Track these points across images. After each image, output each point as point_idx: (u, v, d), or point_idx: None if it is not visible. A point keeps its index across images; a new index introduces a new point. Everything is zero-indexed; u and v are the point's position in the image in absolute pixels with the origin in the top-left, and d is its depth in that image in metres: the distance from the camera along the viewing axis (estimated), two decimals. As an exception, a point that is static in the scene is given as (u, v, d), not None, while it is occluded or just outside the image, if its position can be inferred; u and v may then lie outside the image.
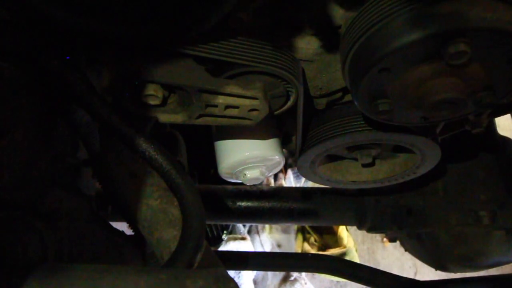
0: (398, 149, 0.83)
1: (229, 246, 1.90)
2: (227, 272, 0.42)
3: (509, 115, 0.89)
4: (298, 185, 2.06)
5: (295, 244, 2.07)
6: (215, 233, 1.81)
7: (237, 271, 1.86)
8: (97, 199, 0.76)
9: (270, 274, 1.99)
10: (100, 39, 0.57)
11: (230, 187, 1.01)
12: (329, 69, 0.71)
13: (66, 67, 0.54)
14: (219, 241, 1.84)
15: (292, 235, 2.09)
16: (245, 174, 0.74)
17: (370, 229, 1.05)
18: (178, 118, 0.62)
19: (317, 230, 2.10)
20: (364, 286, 0.85)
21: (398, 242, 1.18)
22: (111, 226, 0.62)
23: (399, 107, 0.63)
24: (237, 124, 0.64)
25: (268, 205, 1.03)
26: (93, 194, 0.75)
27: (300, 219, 1.08)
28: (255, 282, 1.98)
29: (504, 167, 0.98)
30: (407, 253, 1.17)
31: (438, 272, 1.09)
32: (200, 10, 0.55)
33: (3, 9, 0.52)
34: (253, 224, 1.96)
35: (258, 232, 2.05)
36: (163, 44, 0.58)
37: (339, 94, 0.75)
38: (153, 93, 0.58)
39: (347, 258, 2.02)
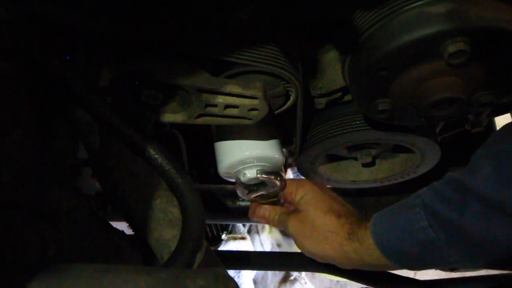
0: (398, 148, 0.83)
1: (229, 245, 1.90)
2: (227, 272, 0.42)
3: (508, 114, 0.89)
4: (298, 185, 2.05)
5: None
6: (215, 232, 1.81)
7: (237, 271, 1.86)
8: (97, 199, 0.76)
9: (270, 273, 1.99)
10: (100, 39, 0.57)
11: (230, 187, 1.01)
12: (329, 69, 0.71)
13: (66, 67, 0.54)
14: (219, 240, 1.84)
15: (292, 235, 2.09)
16: (244, 174, 0.74)
17: (370, 229, 1.05)
18: (178, 117, 0.62)
19: (317, 230, 2.09)
20: (364, 286, 0.85)
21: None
22: (111, 226, 0.62)
23: (399, 107, 0.63)
24: (237, 123, 0.64)
25: (268, 204, 1.03)
26: (93, 194, 0.75)
27: (300, 219, 1.07)
28: (255, 281, 1.98)
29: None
30: (407, 252, 1.17)
31: (438, 271, 1.09)
32: (200, 10, 0.56)
33: (3, 9, 0.52)
34: (253, 224, 1.96)
35: (258, 232, 2.05)
36: (163, 44, 0.58)
37: (339, 94, 0.75)
38: (153, 93, 0.58)
39: (347, 257, 2.02)
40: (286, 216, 0.73)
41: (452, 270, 0.63)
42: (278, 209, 0.77)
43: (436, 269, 0.60)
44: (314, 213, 0.70)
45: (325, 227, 0.68)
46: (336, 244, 0.66)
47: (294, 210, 0.74)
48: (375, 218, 0.63)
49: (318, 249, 0.68)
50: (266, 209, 0.78)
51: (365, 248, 0.63)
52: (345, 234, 0.66)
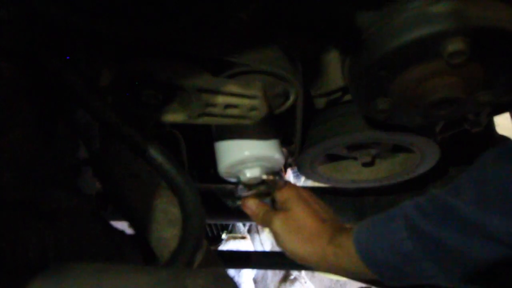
0: (398, 148, 0.83)
1: (229, 245, 1.90)
2: (227, 271, 0.42)
3: (508, 114, 0.89)
4: (297, 185, 2.06)
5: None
6: (215, 232, 1.81)
7: (237, 270, 1.86)
8: (97, 199, 0.76)
9: (270, 273, 2.00)
10: (100, 39, 0.57)
11: (230, 186, 1.01)
12: (329, 69, 0.71)
13: (66, 67, 0.54)
14: (219, 240, 1.84)
15: (292, 234, 2.09)
16: (245, 174, 0.74)
17: (370, 228, 1.05)
18: (178, 117, 0.62)
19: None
20: (364, 285, 0.85)
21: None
22: (111, 226, 0.62)
23: (399, 107, 0.63)
24: (237, 123, 0.64)
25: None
26: (93, 193, 0.75)
27: (300, 218, 1.08)
28: (255, 281, 1.98)
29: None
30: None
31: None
32: (200, 10, 0.56)
33: (3, 9, 0.52)
34: (253, 224, 1.97)
35: (258, 231, 2.05)
36: (163, 44, 0.58)
37: (339, 94, 0.75)
38: (153, 93, 0.58)
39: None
40: (271, 214, 0.74)
41: None
42: (265, 206, 0.78)
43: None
44: (301, 214, 0.71)
45: (311, 230, 0.69)
46: (318, 247, 0.67)
47: (279, 209, 0.75)
48: (359, 226, 0.64)
49: (302, 249, 0.69)
50: (254, 203, 0.78)
51: (345, 254, 0.63)
52: (328, 237, 0.67)
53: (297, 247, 0.69)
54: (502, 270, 0.50)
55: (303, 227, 0.70)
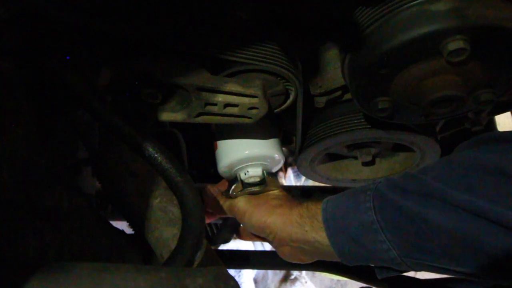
0: (398, 147, 0.83)
1: (229, 245, 1.90)
2: (227, 271, 0.42)
3: (509, 113, 0.89)
4: (298, 184, 2.06)
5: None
6: (215, 231, 1.81)
7: (238, 270, 1.86)
8: (97, 198, 0.76)
9: (270, 272, 1.99)
10: (100, 39, 0.57)
11: (230, 186, 1.01)
12: (328, 68, 0.71)
13: (66, 66, 0.54)
14: (219, 240, 1.84)
15: (293, 234, 2.09)
16: (246, 172, 0.74)
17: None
18: (178, 116, 0.62)
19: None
20: (364, 285, 0.85)
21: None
22: (111, 225, 0.62)
23: (399, 105, 0.63)
24: (237, 122, 0.64)
25: (268, 203, 1.03)
26: (93, 193, 0.75)
27: (300, 218, 1.07)
28: (255, 281, 1.98)
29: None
30: (407, 251, 1.17)
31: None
32: (200, 9, 0.56)
33: (3, 9, 0.52)
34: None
35: (258, 231, 2.05)
36: (163, 43, 0.58)
37: (339, 93, 0.75)
38: (153, 92, 0.58)
39: (348, 256, 2.02)
40: (236, 198, 0.75)
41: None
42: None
43: (366, 265, 0.63)
44: (268, 192, 0.74)
45: (278, 200, 0.71)
46: (286, 209, 0.68)
47: None
48: (329, 197, 0.65)
49: (267, 217, 0.69)
50: (217, 189, 0.80)
51: (310, 216, 0.64)
52: (296, 203, 0.69)
53: (263, 215, 0.69)
54: (458, 240, 0.51)
55: (271, 199, 0.72)
